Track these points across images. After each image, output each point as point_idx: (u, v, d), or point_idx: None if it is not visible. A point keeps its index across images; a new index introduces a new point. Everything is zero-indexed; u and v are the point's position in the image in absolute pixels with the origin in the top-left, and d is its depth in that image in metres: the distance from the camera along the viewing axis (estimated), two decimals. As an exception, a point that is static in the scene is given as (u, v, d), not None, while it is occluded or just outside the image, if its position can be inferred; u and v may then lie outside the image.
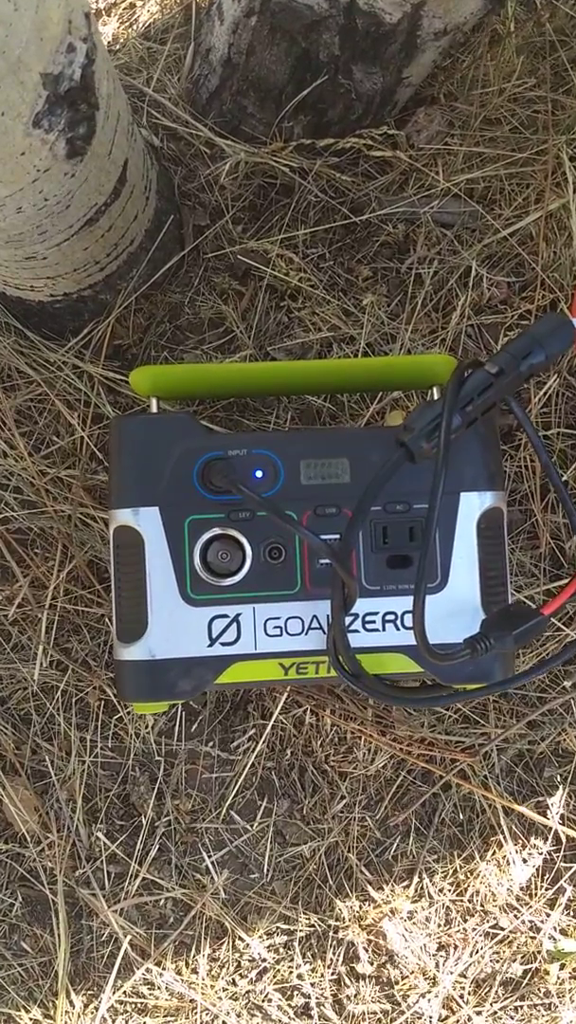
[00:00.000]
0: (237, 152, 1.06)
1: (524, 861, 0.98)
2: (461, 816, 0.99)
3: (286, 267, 1.08)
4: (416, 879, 0.99)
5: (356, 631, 0.76)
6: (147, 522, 0.76)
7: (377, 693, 0.72)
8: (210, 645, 0.76)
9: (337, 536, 0.75)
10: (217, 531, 0.76)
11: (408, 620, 0.76)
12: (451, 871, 0.98)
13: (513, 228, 1.07)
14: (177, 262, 1.08)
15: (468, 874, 0.98)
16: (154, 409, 0.83)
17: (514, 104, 1.13)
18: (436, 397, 0.85)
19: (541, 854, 0.98)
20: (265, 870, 0.99)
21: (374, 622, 0.76)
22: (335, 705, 0.99)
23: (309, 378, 0.89)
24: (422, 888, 0.98)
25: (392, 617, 0.76)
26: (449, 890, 0.98)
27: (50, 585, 1.01)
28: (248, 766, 1.00)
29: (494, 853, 0.98)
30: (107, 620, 1.01)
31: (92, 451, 1.03)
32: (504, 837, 0.98)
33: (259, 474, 0.77)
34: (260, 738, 1.00)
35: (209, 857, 0.99)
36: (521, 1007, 0.96)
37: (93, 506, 1.01)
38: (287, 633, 0.76)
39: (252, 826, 1.00)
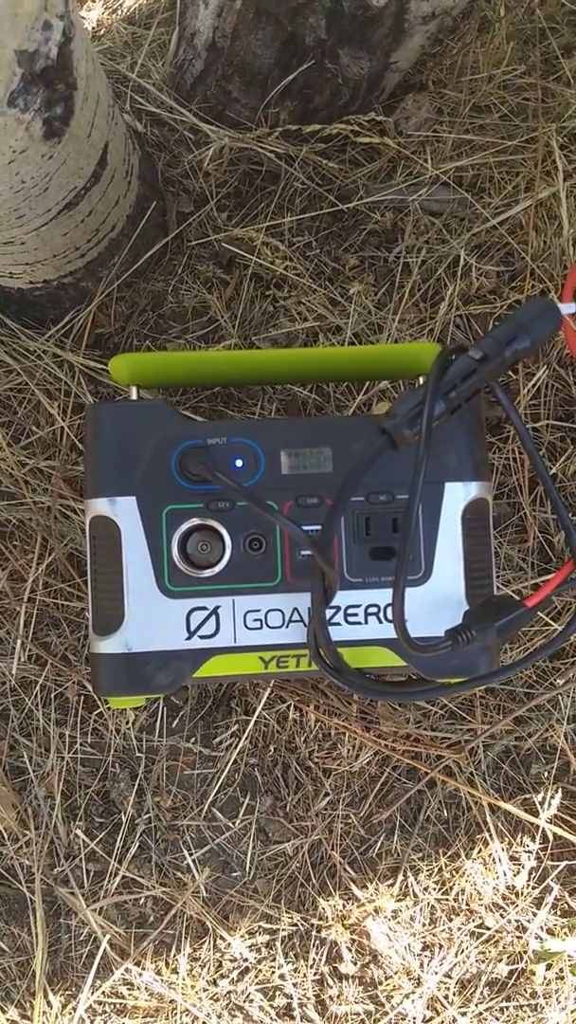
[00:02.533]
0: (222, 137, 1.05)
1: (511, 859, 0.96)
2: (447, 813, 0.97)
3: (271, 255, 1.06)
4: (401, 877, 0.97)
5: (338, 624, 0.74)
6: (124, 512, 0.74)
7: (358, 687, 0.70)
8: (188, 638, 0.74)
9: (319, 527, 0.73)
10: (196, 521, 0.74)
11: (391, 613, 0.74)
12: (436, 869, 0.97)
13: (502, 217, 1.06)
14: (160, 249, 1.06)
15: (453, 872, 0.96)
16: (134, 397, 0.81)
17: (504, 91, 1.11)
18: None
19: (528, 852, 0.96)
20: (247, 868, 0.97)
21: (356, 615, 0.75)
22: (319, 700, 0.97)
23: (294, 366, 0.87)
24: (407, 887, 0.97)
25: (375, 610, 0.75)
26: (434, 888, 0.96)
27: (29, 578, 0.99)
28: (230, 762, 0.98)
29: (480, 851, 0.96)
30: (87, 614, 0.99)
31: (72, 442, 1.01)
32: (490, 835, 0.96)
33: (239, 463, 0.75)
34: (243, 734, 0.98)
35: (190, 855, 0.97)
36: (507, 1008, 0.94)
37: (73, 498, 0.99)
38: (267, 626, 0.75)
39: (234, 823, 0.98)
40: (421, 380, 0.83)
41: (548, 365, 1.02)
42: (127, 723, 0.98)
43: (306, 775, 0.98)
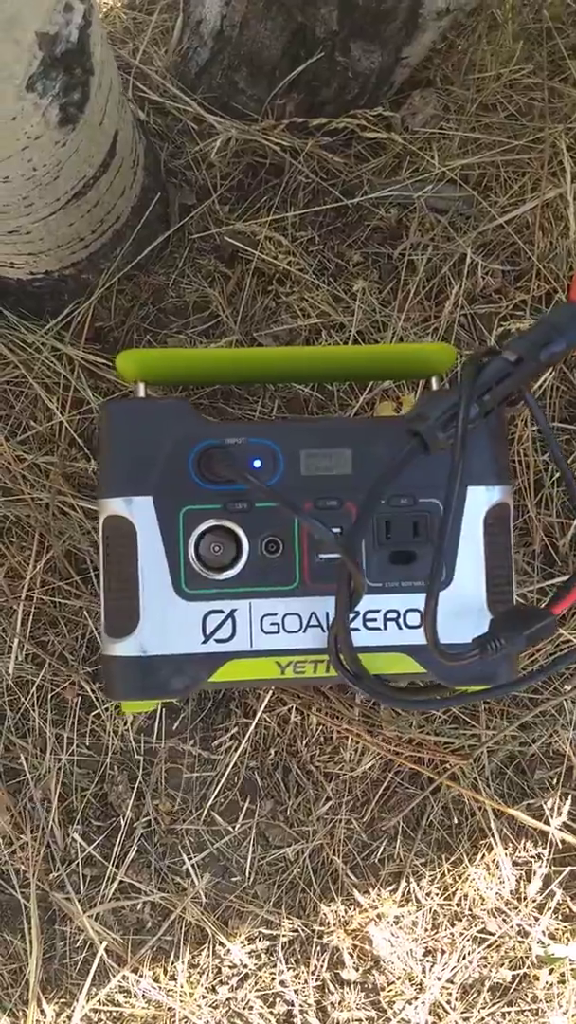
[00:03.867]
0: (228, 129, 1.03)
1: (514, 864, 0.96)
2: (450, 819, 0.97)
3: (274, 250, 1.04)
4: (403, 883, 0.96)
5: (356, 629, 0.73)
6: (140, 512, 0.72)
7: (380, 694, 0.69)
8: (204, 642, 0.72)
9: (339, 530, 0.72)
10: (213, 523, 0.72)
11: (411, 619, 0.73)
12: (439, 875, 0.96)
13: (509, 216, 1.05)
14: (162, 242, 1.04)
15: (456, 878, 0.96)
16: (141, 394, 0.79)
17: (511, 90, 1.11)
18: (435, 388, 0.82)
19: (532, 858, 0.96)
20: (247, 873, 0.96)
21: (375, 620, 0.73)
22: (321, 704, 0.96)
23: (305, 365, 0.86)
24: (409, 892, 0.96)
25: (394, 615, 0.73)
26: (437, 894, 0.96)
27: (26, 576, 0.96)
28: (231, 766, 0.97)
29: (483, 856, 0.96)
30: (86, 613, 0.96)
31: (72, 437, 0.99)
32: (494, 840, 0.96)
33: (257, 464, 0.73)
34: (243, 737, 0.97)
35: (189, 859, 0.96)
36: (509, 1013, 0.94)
37: (72, 494, 0.97)
38: (284, 630, 0.73)
39: (234, 828, 0.97)
40: (433, 381, 0.82)
41: (554, 368, 1.01)
42: (125, 725, 0.96)
43: (307, 779, 0.97)
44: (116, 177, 0.90)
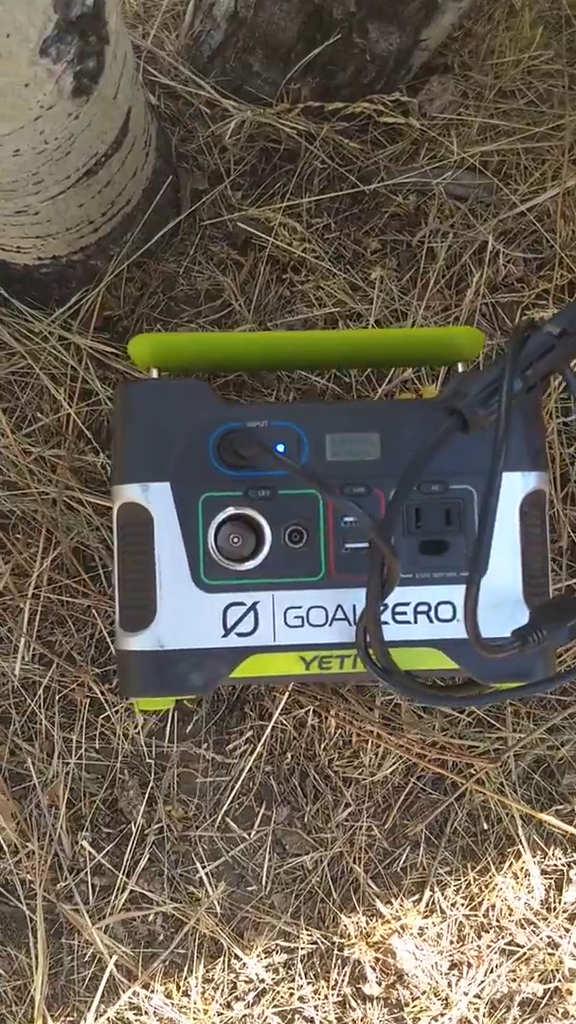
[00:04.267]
0: (243, 111, 1.00)
1: (542, 873, 0.92)
2: (475, 825, 0.94)
3: (289, 237, 1.02)
4: (427, 892, 0.93)
5: (385, 623, 0.70)
6: (157, 499, 0.69)
7: (412, 691, 0.66)
8: (225, 635, 0.70)
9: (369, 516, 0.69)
10: (234, 511, 0.70)
11: (443, 612, 0.70)
12: (464, 884, 0.93)
13: (530, 204, 1.03)
14: (173, 228, 1.02)
15: (483, 887, 0.93)
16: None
17: (530, 77, 1.10)
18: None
19: (563, 866, 0.93)
20: (264, 882, 0.93)
21: (405, 613, 0.70)
22: (340, 705, 0.93)
23: (327, 350, 0.83)
24: (433, 902, 0.93)
25: (425, 608, 0.70)
26: (462, 904, 0.93)
27: (33, 573, 0.94)
28: (245, 770, 0.94)
29: (511, 864, 0.93)
30: (95, 612, 0.94)
31: (80, 429, 0.96)
32: (522, 847, 0.93)
33: (281, 448, 0.71)
34: (259, 740, 0.94)
35: (203, 868, 0.93)
36: (539, 1030, 0.90)
37: (80, 489, 0.94)
38: (309, 624, 0.70)
39: (250, 835, 0.94)
40: (460, 367, 0.79)
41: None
42: (136, 728, 0.93)
43: (325, 784, 0.94)
44: (128, 156, 0.87)
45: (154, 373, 0.77)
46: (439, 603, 0.70)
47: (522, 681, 0.70)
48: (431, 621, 0.70)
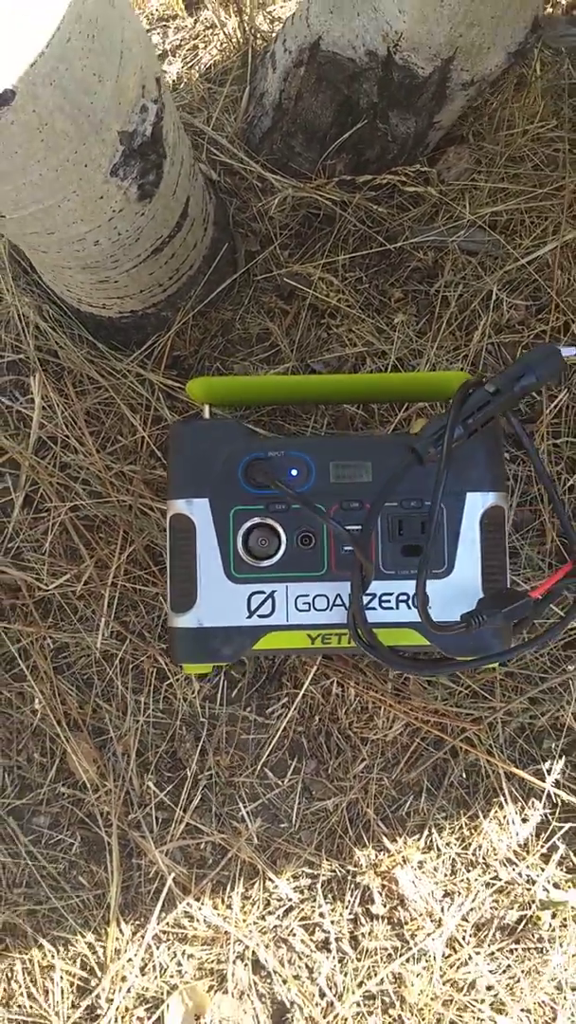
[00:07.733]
0: (285, 187, 1.20)
1: (523, 821, 1.10)
2: (468, 779, 1.12)
3: (327, 288, 1.20)
4: (426, 833, 1.11)
5: (373, 608, 0.89)
6: (198, 511, 0.90)
7: (389, 661, 0.84)
8: (249, 616, 0.89)
9: (360, 527, 0.88)
10: (257, 520, 0.90)
11: (416, 600, 0.89)
12: (457, 827, 1.11)
13: (531, 256, 1.19)
14: (230, 283, 1.21)
15: (472, 830, 1.10)
16: (206, 415, 0.97)
17: (536, 144, 1.25)
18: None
19: (540, 816, 1.10)
20: (293, 820, 1.12)
21: (389, 601, 0.89)
22: (359, 678, 1.12)
23: (341, 390, 1.03)
24: (431, 841, 1.11)
25: (405, 597, 0.89)
26: (455, 844, 1.11)
27: (112, 566, 1.14)
28: (281, 730, 1.13)
29: (496, 813, 1.10)
30: (161, 598, 1.14)
31: (151, 449, 1.16)
32: (505, 799, 1.10)
33: (294, 472, 0.90)
34: (292, 705, 1.13)
35: (245, 807, 1.12)
36: (516, 949, 1.08)
37: (151, 497, 1.14)
38: (314, 608, 0.89)
39: (283, 782, 1.13)
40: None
41: (569, 389, 1.15)
42: (193, 693, 1.14)
43: (346, 742, 1.13)
44: (188, 234, 1.08)
45: (206, 409, 0.98)
46: (416, 593, 0.89)
47: (479, 655, 0.88)
48: (409, 608, 0.89)
